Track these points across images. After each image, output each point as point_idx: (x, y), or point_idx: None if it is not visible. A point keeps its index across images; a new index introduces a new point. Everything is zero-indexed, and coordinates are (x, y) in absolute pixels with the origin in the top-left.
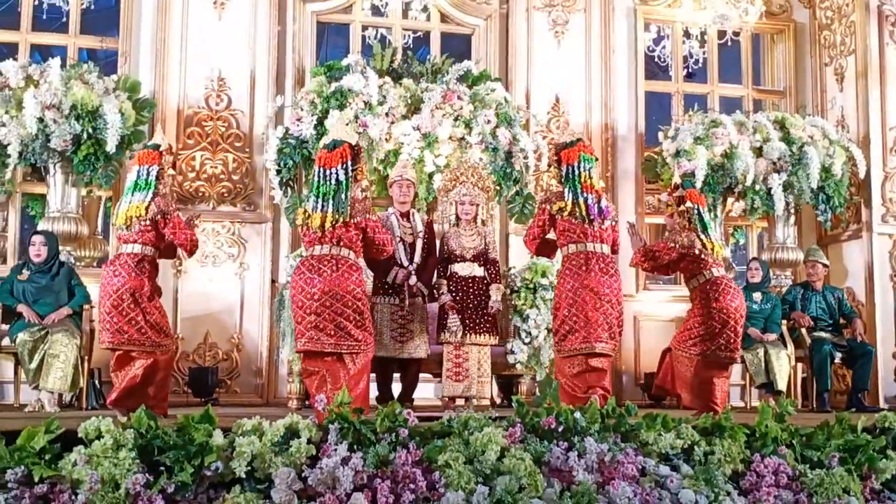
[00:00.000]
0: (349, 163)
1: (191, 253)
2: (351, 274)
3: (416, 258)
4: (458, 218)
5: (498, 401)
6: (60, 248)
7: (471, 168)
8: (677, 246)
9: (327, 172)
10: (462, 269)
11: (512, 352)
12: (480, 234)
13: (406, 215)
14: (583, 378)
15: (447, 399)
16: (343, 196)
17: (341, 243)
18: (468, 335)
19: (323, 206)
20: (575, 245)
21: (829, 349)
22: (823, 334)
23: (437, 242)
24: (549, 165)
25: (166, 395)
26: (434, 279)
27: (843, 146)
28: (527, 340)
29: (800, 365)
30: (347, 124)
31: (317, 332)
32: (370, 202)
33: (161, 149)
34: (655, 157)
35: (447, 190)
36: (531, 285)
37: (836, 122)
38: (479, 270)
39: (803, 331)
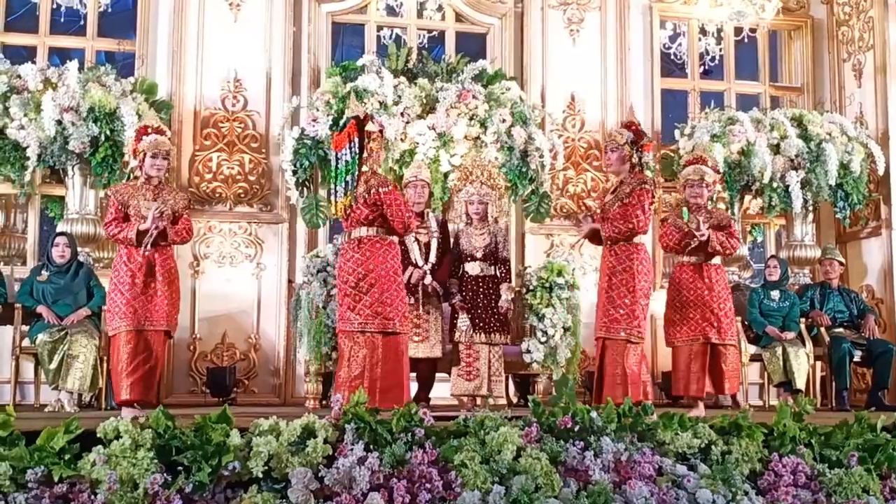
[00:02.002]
0: (356, 140)
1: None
2: (387, 252)
3: (432, 258)
4: (469, 216)
5: (514, 400)
6: (79, 249)
7: (479, 166)
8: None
9: (338, 156)
10: (472, 268)
11: (528, 351)
12: (491, 233)
13: (421, 215)
14: None
15: (465, 398)
16: (350, 177)
17: (366, 224)
18: (478, 334)
19: (337, 190)
20: None
21: (847, 347)
22: (842, 331)
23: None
24: (627, 143)
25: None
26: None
27: (861, 143)
28: (543, 340)
29: (818, 363)
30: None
31: (352, 312)
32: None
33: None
34: (672, 154)
35: (458, 189)
36: (547, 284)
37: (855, 119)
38: (489, 269)
39: (822, 329)
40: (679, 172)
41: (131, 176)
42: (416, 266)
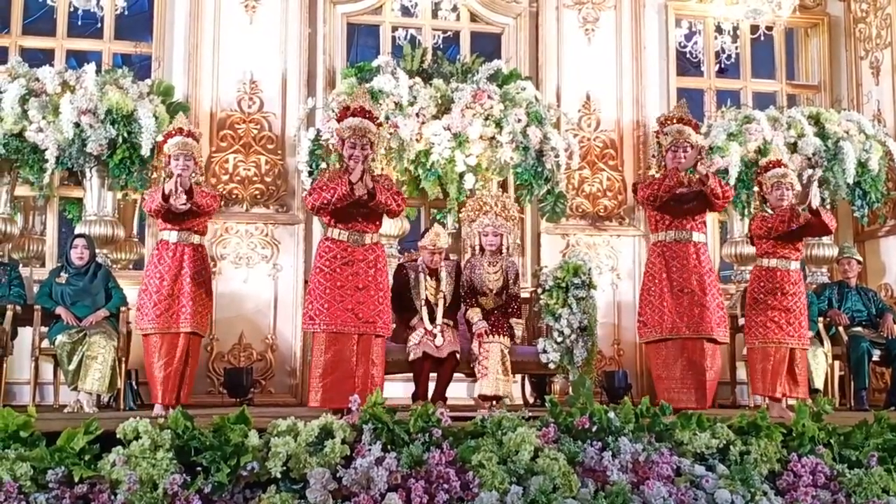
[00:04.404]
0: None
1: None
2: None
3: (439, 319)
4: (481, 248)
5: (531, 401)
6: (97, 250)
7: (494, 197)
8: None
9: None
10: (486, 303)
11: (544, 351)
12: (502, 270)
13: (434, 272)
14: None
15: (480, 399)
16: None
17: None
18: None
19: None
20: None
21: (866, 347)
22: (861, 330)
23: (463, 277)
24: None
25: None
26: (466, 311)
27: (879, 141)
28: (559, 340)
29: (837, 363)
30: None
31: None
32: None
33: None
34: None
35: (471, 220)
36: (563, 284)
37: (873, 117)
38: (500, 301)
39: (840, 328)
40: (758, 176)
41: (164, 180)
42: (427, 330)
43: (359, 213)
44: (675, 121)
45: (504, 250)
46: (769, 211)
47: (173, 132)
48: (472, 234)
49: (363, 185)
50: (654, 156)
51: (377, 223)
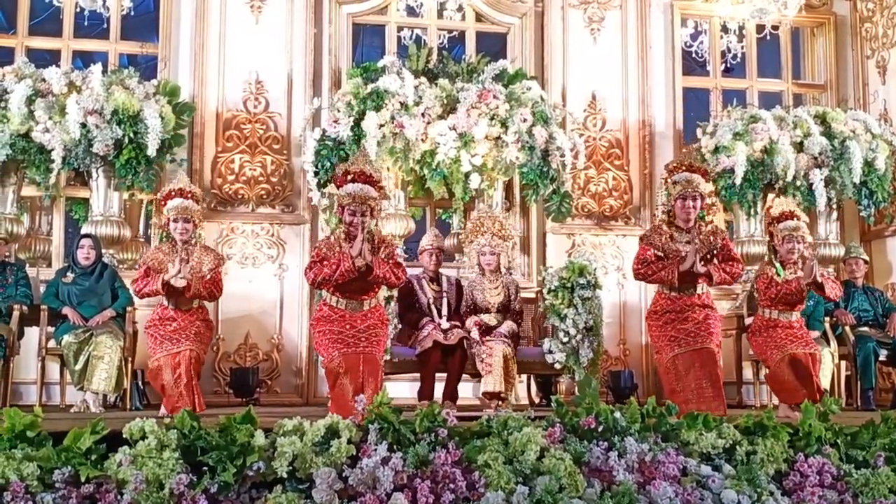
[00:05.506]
0: None
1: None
2: None
3: (444, 311)
4: (481, 267)
5: (536, 400)
6: (103, 250)
7: (490, 217)
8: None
9: None
10: (489, 319)
11: (550, 351)
12: (504, 285)
13: (435, 278)
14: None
15: (485, 398)
16: None
17: None
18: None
19: None
20: None
21: (873, 346)
22: (867, 330)
23: (464, 295)
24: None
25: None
26: (467, 325)
27: (886, 140)
28: (564, 340)
29: (843, 363)
30: (382, 126)
31: None
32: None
33: None
34: (694, 153)
35: (470, 241)
36: (568, 284)
37: (879, 116)
38: (502, 319)
39: (846, 328)
40: (770, 226)
41: (162, 238)
42: (435, 323)
43: (356, 286)
44: (684, 168)
45: (503, 269)
46: (777, 266)
47: (173, 193)
48: (472, 254)
49: (362, 258)
50: (662, 204)
51: (375, 291)
